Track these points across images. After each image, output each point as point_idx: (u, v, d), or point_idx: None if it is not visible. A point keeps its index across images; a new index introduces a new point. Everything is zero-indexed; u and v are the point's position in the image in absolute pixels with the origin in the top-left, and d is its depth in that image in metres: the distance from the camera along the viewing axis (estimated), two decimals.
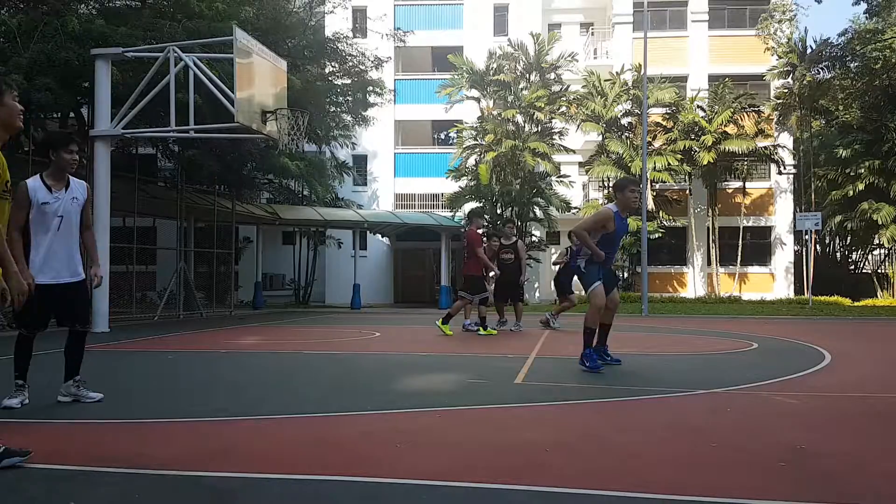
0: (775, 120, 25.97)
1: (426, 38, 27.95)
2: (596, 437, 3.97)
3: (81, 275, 4.78)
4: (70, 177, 4.70)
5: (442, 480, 3.04)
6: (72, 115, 15.90)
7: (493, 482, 3.02)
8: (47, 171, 4.63)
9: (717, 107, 24.57)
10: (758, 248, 27.00)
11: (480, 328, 10.87)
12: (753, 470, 3.22)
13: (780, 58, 25.16)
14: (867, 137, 23.72)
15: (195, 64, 11.02)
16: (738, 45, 26.86)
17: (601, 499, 2.82)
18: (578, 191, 28.67)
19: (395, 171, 29.22)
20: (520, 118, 24.67)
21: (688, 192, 26.29)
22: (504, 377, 6.22)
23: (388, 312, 20.48)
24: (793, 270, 26.30)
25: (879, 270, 26.66)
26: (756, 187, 26.82)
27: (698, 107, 25.00)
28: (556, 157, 25.06)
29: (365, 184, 29.01)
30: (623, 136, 25.01)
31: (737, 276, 26.01)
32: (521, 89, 24.85)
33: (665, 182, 24.45)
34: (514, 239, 11.87)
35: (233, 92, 10.62)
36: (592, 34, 29.88)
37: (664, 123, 25.29)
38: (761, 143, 24.67)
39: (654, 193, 24.79)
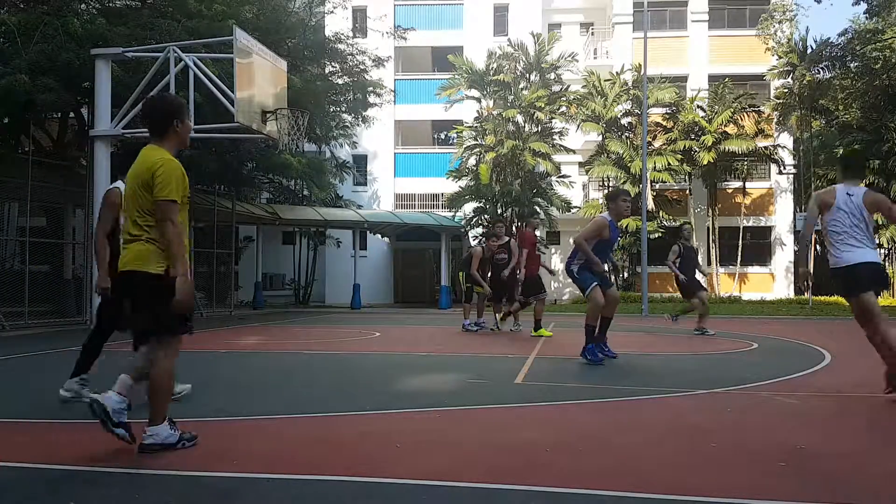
0: (775, 120, 25.97)
1: (426, 38, 27.96)
2: (596, 437, 3.97)
3: None
4: None
5: (442, 480, 3.04)
6: (72, 115, 15.89)
7: (493, 482, 3.02)
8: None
9: (717, 107, 24.57)
10: (758, 248, 26.99)
11: (543, 330, 10.67)
12: (753, 470, 3.22)
13: (780, 58, 25.16)
14: (867, 137, 23.70)
15: (195, 64, 11.01)
16: (738, 45, 26.86)
17: (601, 499, 2.82)
18: (578, 191, 28.67)
19: (395, 171, 29.22)
20: (520, 118, 24.67)
21: (688, 192, 26.29)
22: (504, 377, 6.22)
23: (388, 312, 20.48)
24: (793, 270, 26.28)
25: None
26: (756, 187, 26.82)
27: (698, 107, 25.00)
28: (557, 157, 25.07)
29: (365, 184, 29.01)
30: (623, 136, 25.02)
31: (737, 276, 26.01)
32: (522, 89, 24.86)
33: (665, 182, 24.44)
34: (506, 238, 11.79)
35: (233, 92, 10.62)
36: (592, 34, 29.87)
37: (664, 123, 25.29)
38: (761, 143, 24.67)
39: (654, 193, 24.79)
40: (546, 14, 29.60)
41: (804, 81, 24.29)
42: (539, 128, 24.86)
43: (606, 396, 5.28)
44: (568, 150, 25.14)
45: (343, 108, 20.26)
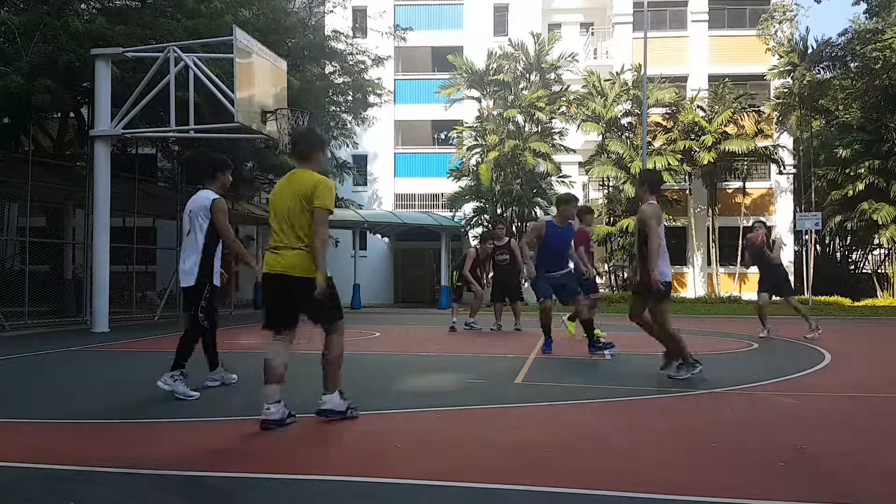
0: (775, 120, 25.96)
1: (426, 38, 27.95)
2: (596, 437, 3.97)
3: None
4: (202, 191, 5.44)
5: (442, 480, 3.04)
6: (72, 115, 15.89)
7: (493, 482, 3.02)
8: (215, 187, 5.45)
9: (717, 107, 24.55)
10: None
11: (570, 325, 10.45)
12: (753, 470, 3.22)
13: (781, 57, 25.16)
14: (867, 137, 23.69)
15: (195, 64, 11.01)
16: (738, 45, 26.85)
17: (601, 499, 2.82)
18: (578, 191, 28.68)
19: (395, 171, 29.21)
20: (520, 118, 24.67)
21: (688, 192, 26.28)
22: (504, 377, 6.22)
23: (388, 312, 20.47)
24: (793, 270, 26.28)
25: (879, 270, 26.64)
26: (756, 187, 26.81)
27: (698, 107, 24.99)
28: (557, 157, 25.07)
29: (365, 184, 29.00)
30: (623, 136, 25.01)
31: (737, 276, 26.00)
32: (522, 89, 24.85)
33: (665, 182, 24.40)
34: (507, 239, 11.82)
35: (233, 92, 10.62)
36: (592, 34, 29.88)
37: (664, 123, 25.28)
38: (761, 143, 24.66)
39: None
40: (546, 14, 29.59)
41: (804, 81, 24.28)
42: (539, 128, 24.85)
43: (606, 396, 5.28)
44: (568, 150, 25.14)
45: (343, 108, 20.25)
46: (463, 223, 24.72)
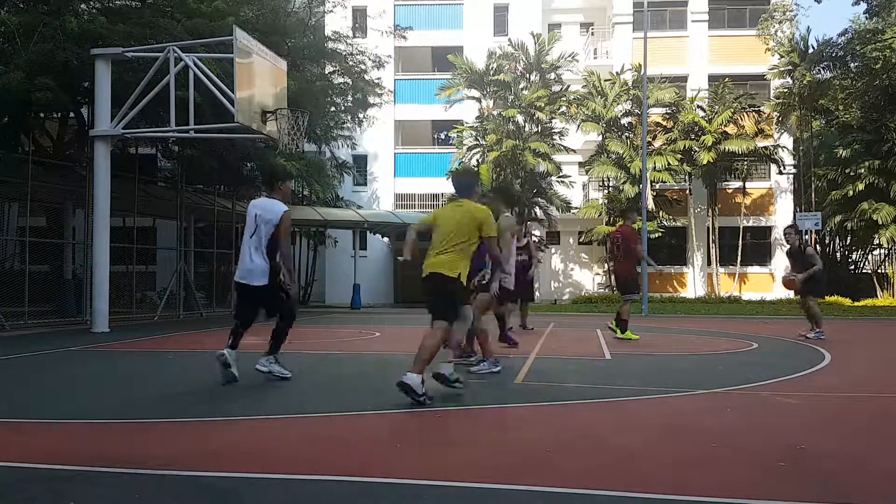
0: (775, 120, 25.96)
1: (426, 38, 27.94)
2: (596, 437, 3.97)
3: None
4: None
5: (442, 480, 3.04)
6: (72, 115, 15.88)
7: (493, 482, 3.02)
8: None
9: (717, 107, 24.56)
10: (758, 248, 26.99)
11: (630, 333, 9.85)
12: (753, 470, 3.22)
13: (781, 57, 25.16)
14: (867, 137, 23.69)
15: (195, 64, 11.01)
16: (738, 45, 26.86)
17: (601, 499, 2.82)
18: (578, 191, 28.69)
19: (395, 171, 29.21)
20: (520, 118, 24.67)
21: (688, 192, 26.29)
22: (504, 377, 6.22)
23: (389, 312, 20.47)
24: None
25: (879, 270, 26.64)
26: (756, 187, 26.82)
27: (698, 107, 25.00)
28: (557, 157, 25.08)
29: (365, 184, 28.99)
30: (623, 136, 25.02)
31: (737, 276, 26.01)
32: (522, 89, 24.86)
33: (665, 182, 24.45)
34: (526, 239, 11.83)
35: (233, 92, 10.61)
36: (592, 34, 29.87)
37: (664, 123, 25.28)
38: (761, 143, 24.67)
39: (655, 193, 24.79)
40: (546, 14, 29.59)
41: (804, 81, 24.29)
42: (539, 128, 24.86)
43: (606, 396, 5.28)
44: (568, 150, 25.14)
45: (342, 109, 20.24)
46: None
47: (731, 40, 27.17)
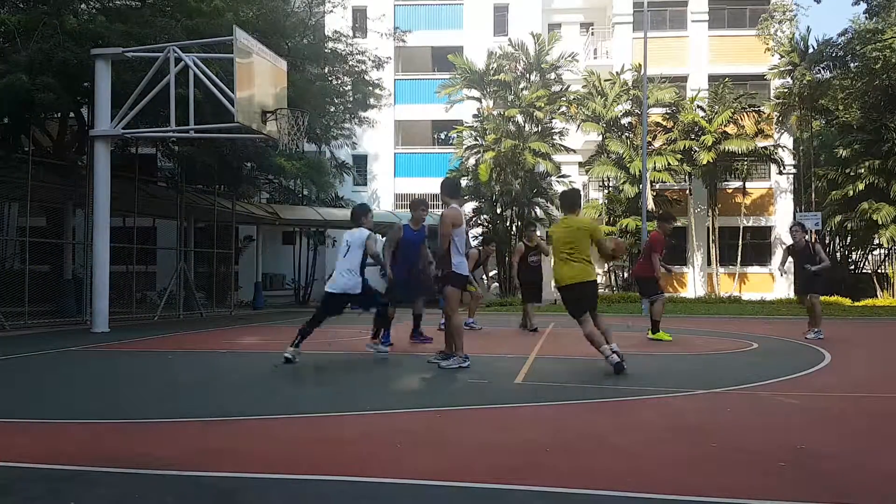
0: (775, 120, 25.95)
1: (426, 38, 27.94)
2: (596, 437, 3.97)
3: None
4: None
5: (442, 480, 3.04)
6: (72, 115, 15.87)
7: (493, 482, 3.02)
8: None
9: (717, 107, 24.55)
10: (758, 248, 26.99)
11: (663, 333, 10.02)
12: (753, 470, 3.22)
13: (781, 57, 25.16)
14: (867, 137, 23.68)
15: (195, 64, 11.00)
16: (738, 45, 26.85)
17: (601, 499, 2.82)
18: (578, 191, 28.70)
19: (395, 171, 29.21)
20: (520, 118, 24.66)
21: (688, 192, 26.29)
22: (504, 377, 6.22)
23: None
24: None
25: (879, 270, 26.63)
26: (756, 187, 26.81)
27: (698, 107, 24.99)
28: (557, 157, 25.08)
29: (365, 184, 29.00)
30: (623, 136, 25.01)
31: (737, 276, 26.01)
32: (522, 89, 24.84)
33: (665, 182, 24.44)
34: (536, 241, 12.01)
35: (233, 92, 10.61)
36: (592, 34, 29.87)
37: (664, 123, 25.27)
38: (761, 143, 24.66)
39: (655, 193, 24.77)
40: (546, 14, 29.59)
41: (804, 81, 24.28)
42: (539, 128, 24.85)
43: (606, 396, 5.28)
44: (568, 150, 25.14)
45: (342, 109, 20.23)
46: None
47: (731, 40, 27.16)
